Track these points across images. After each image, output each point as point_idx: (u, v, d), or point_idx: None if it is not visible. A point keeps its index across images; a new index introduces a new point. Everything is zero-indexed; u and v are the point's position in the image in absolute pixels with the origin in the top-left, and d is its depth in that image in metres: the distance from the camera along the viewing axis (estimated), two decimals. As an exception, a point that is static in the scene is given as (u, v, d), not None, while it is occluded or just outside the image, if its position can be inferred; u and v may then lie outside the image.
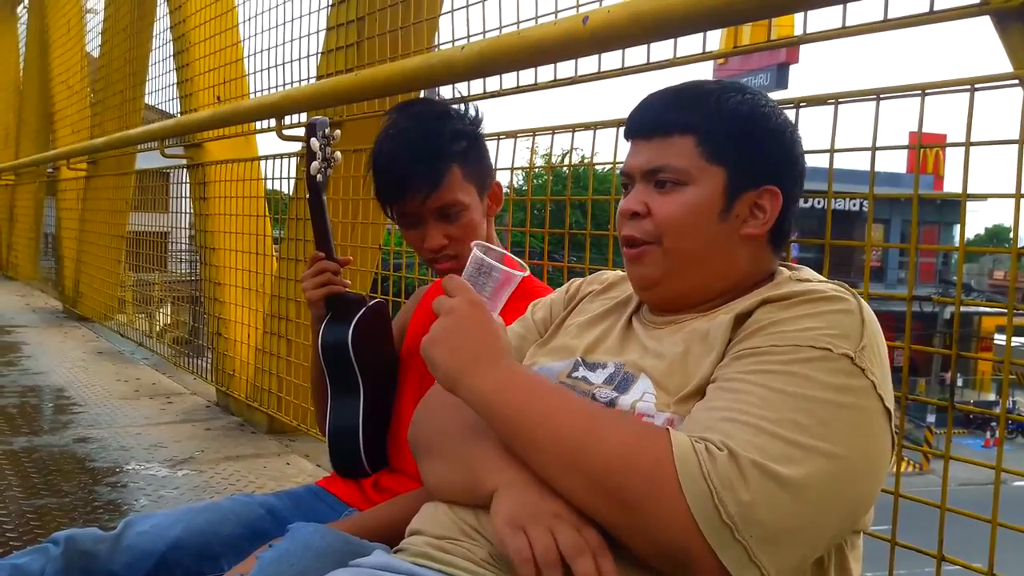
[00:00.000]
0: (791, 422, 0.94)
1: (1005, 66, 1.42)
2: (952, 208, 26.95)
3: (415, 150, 1.58)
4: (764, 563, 0.90)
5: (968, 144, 1.48)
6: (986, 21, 1.41)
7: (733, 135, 1.16)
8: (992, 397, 28.76)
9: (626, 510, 0.93)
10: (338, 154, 1.73)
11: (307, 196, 1.75)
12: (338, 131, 1.72)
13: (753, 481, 0.89)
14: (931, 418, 22.96)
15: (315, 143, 1.69)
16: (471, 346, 1.07)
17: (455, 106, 1.68)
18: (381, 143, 1.63)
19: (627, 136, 1.23)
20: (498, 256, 1.18)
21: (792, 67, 27.48)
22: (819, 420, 0.94)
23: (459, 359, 1.07)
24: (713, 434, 0.94)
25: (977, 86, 1.45)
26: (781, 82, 26.36)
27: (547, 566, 0.96)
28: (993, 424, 24.24)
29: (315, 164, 1.70)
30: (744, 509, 0.89)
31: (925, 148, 1.55)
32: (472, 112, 1.68)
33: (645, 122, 1.20)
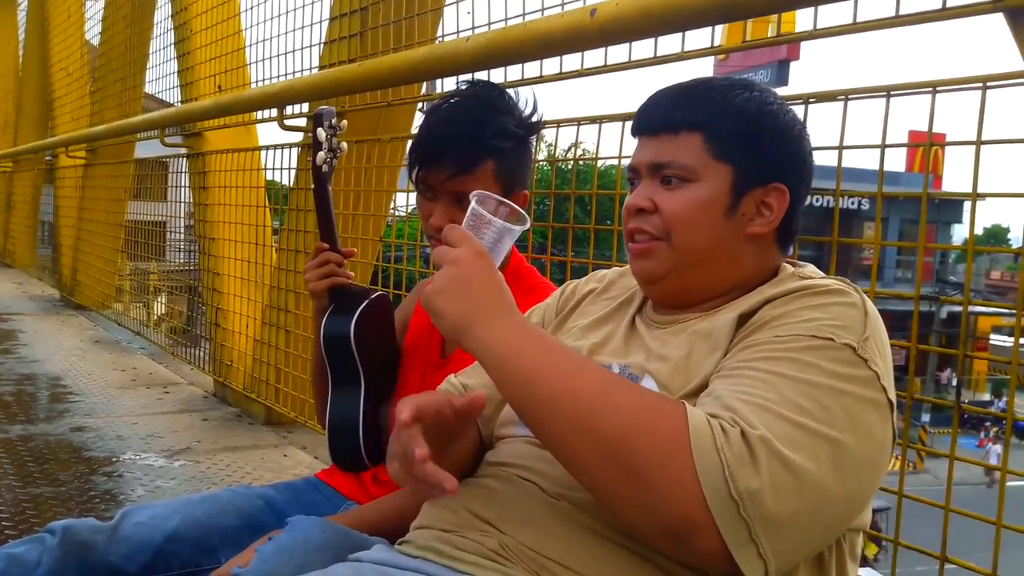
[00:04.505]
0: (794, 404, 0.93)
1: (1015, 64, 1.41)
2: (949, 207, 27.01)
3: (459, 130, 1.56)
4: (763, 543, 0.89)
5: (979, 143, 1.47)
6: (999, 18, 1.40)
7: (741, 133, 1.15)
8: (987, 397, 28.87)
9: (633, 477, 0.91)
10: (344, 144, 1.71)
11: (312, 186, 1.73)
12: (344, 121, 1.70)
13: (763, 461, 0.89)
14: (925, 417, 23.01)
15: (321, 133, 1.67)
16: (479, 296, 1.04)
17: (524, 101, 1.64)
18: (438, 107, 1.62)
19: (634, 133, 1.22)
20: (497, 206, 1.14)
21: (793, 64, 27.47)
22: (820, 405, 0.94)
23: (467, 308, 1.03)
24: (723, 411, 0.93)
25: (989, 84, 1.44)
26: (782, 78, 26.32)
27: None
28: (987, 424, 24.33)
29: (321, 154, 1.69)
30: (753, 489, 0.88)
31: (936, 147, 1.54)
32: (529, 111, 1.63)
33: (653, 119, 1.19)
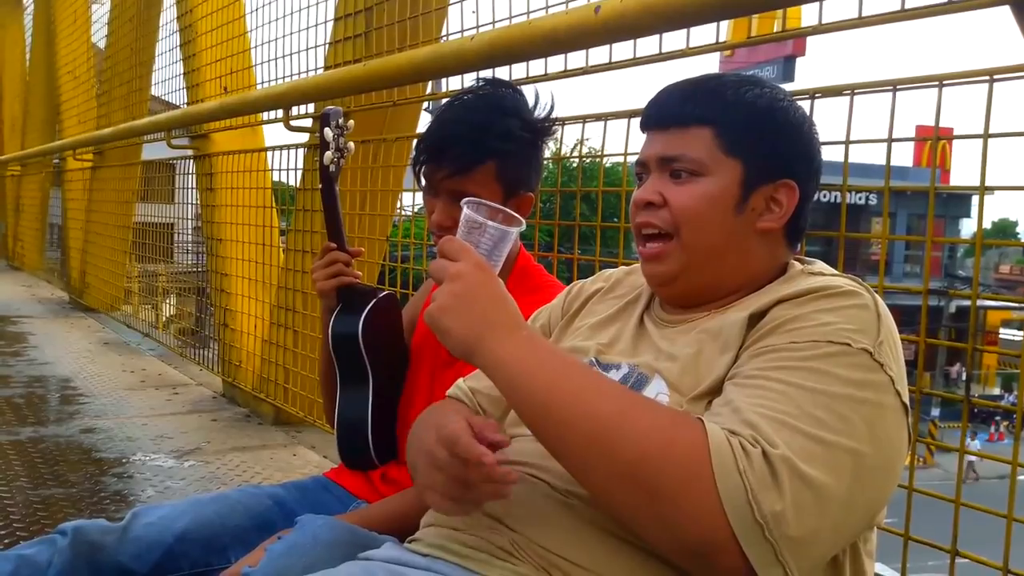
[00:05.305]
0: (812, 417, 0.93)
1: (1022, 56, 1.40)
2: (957, 202, 26.89)
3: (461, 131, 1.55)
4: (789, 562, 0.89)
5: (986, 136, 1.46)
6: (1005, 11, 1.40)
7: (751, 128, 1.14)
8: (997, 391, 28.77)
9: (655, 499, 0.90)
10: (351, 144, 1.72)
11: (319, 186, 1.74)
12: (351, 121, 1.70)
13: (785, 482, 0.88)
14: (935, 412, 22.95)
15: (329, 133, 1.68)
16: (485, 312, 1.02)
17: (542, 103, 1.62)
18: (451, 104, 1.61)
19: (643, 127, 1.22)
20: (490, 211, 1.13)
21: (799, 59, 27.41)
22: (839, 415, 0.93)
23: (474, 326, 1.02)
24: (743, 428, 0.92)
25: (996, 77, 1.44)
26: (788, 74, 26.27)
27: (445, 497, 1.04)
28: (997, 418, 24.27)
29: (328, 154, 1.69)
30: (777, 511, 0.88)
31: (943, 140, 1.53)
32: (544, 112, 1.62)
33: (663, 113, 1.19)
